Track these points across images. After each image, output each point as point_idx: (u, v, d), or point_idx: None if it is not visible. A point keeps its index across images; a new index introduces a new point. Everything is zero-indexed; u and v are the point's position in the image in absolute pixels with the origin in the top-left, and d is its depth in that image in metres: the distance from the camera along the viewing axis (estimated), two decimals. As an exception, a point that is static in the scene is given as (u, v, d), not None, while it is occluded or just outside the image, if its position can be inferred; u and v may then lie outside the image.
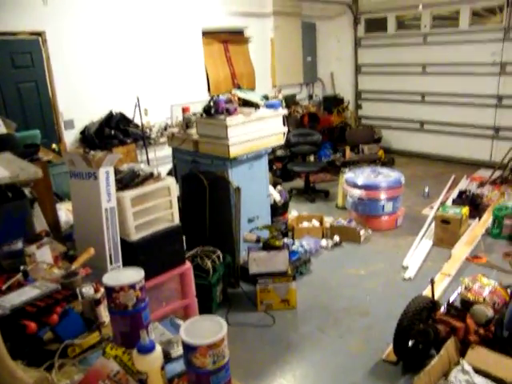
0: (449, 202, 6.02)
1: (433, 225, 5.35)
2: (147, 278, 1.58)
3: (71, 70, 5.78)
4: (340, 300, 4.13)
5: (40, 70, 5.64)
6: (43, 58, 5.63)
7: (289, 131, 6.46)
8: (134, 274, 1.52)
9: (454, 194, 6.31)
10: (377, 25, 9.18)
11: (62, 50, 5.68)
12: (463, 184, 6.93)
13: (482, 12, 7.76)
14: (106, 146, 5.69)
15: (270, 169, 6.68)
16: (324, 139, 7.89)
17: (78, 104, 5.85)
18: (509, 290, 3.27)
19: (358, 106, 9.82)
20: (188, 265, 3.48)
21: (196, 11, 6.98)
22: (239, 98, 4.59)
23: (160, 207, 3.21)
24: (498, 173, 6.77)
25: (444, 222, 5.10)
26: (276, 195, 5.21)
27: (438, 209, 5.55)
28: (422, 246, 5.09)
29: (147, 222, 3.10)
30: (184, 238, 3.55)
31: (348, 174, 5.96)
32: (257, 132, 4.42)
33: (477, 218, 5.57)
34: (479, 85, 7.88)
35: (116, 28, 6.13)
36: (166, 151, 6.03)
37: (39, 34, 5.56)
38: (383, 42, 9.10)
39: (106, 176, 2.79)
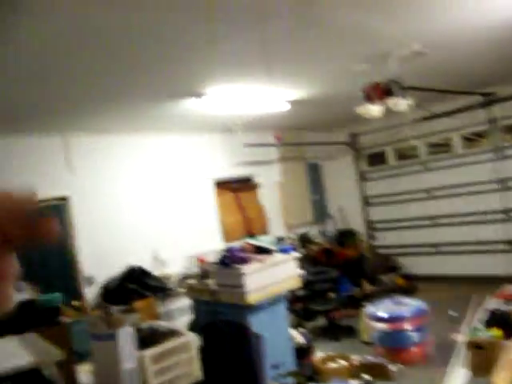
0: (478, 324, 5.81)
1: (465, 351, 5.13)
2: None
3: (92, 229, 6.14)
4: None
5: (64, 230, 5.97)
6: (67, 219, 5.99)
7: (306, 270, 6.52)
8: None
9: (482, 314, 6.12)
10: (378, 158, 9.69)
11: (84, 212, 6.10)
12: (490, 303, 6.73)
13: (471, 137, 8.22)
14: (127, 301, 5.77)
15: (291, 310, 6.61)
16: (341, 274, 7.88)
17: (99, 261, 6.09)
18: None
19: (371, 237, 9.95)
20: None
21: (207, 165, 7.50)
22: (253, 246, 4.74)
23: (181, 363, 3.19)
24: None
25: (477, 347, 4.89)
26: (299, 337, 5.12)
27: (469, 333, 5.35)
28: (457, 376, 4.83)
29: (169, 381, 3.06)
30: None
31: (369, 308, 5.88)
32: (273, 277, 4.51)
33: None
34: (484, 202, 8.08)
35: (133, 186, 6.62)
36: (186, 301, 6.07)
37: (65, 198, 5.99)
38: (386, 174, 9.51)
39: (125, 337, 2.83)
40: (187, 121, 6.61)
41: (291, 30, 3.79)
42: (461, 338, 5.67)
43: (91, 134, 6.32)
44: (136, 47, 3.68)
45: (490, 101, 7.69)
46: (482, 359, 4.83)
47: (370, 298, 7.41)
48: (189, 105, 5.65)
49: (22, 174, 5.64)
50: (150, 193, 6.81)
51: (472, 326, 5.70)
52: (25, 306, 4.09)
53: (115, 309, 5.69)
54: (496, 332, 4.99)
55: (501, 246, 8.04)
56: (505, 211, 7.92)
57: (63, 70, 3.94)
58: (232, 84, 5.14)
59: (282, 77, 5.04)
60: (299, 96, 6.15)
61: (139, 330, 3.19)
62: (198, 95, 5.29)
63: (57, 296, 4.67)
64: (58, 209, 6.02)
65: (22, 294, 4.37)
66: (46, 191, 5.83)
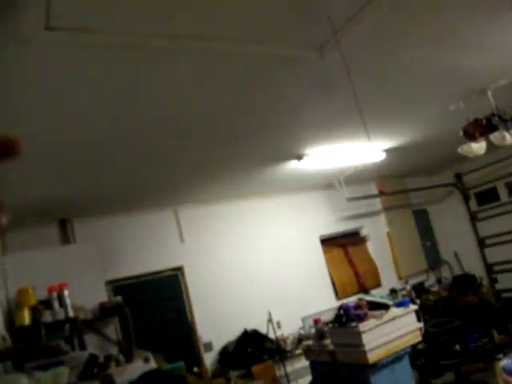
0: None
1: None
2: None
3: (207, 295, 6.38)
4: None
5: (180, 299, 6.28)
6: (182, 288, 6.28)
7: (425, 322, 6.18)
8: None
9: None
10: (488, 196, 9.16)
11: (197, 279, 6.39)
12: None
13: None
14: (244, 365, 5.81)
15: (414, 366, 6.24)
16: (465, 323, 7.35)
17: (215, 326, 6.25)
18: None
19: (492, 280, 9.24)
20: None
21: (312, 222, 7.56)
22: (367, 302, 4.63)
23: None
24: None
25: None
26: (427, 396, 4.80)
27: None
28: None
29: None
30: None
31: (504, 361, 5.38)
32: (392, 333, 4.35)
33: None
34: None
35: (243, 251, 6.83)
36: (303, 363, 5.98)
37: (179, 268, 6.30)
38: (499, 211, 8.92)
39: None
40: (290, 181, 6.79)
41: (379, 81, 3.85)
42: None
43: (200, 204, 6.67)
44: (237, 120, 3.93)
45: None
46: None
47: (503, 348, 6.81)
48: (291, 166, 5.83)
49: (138, 248, 6.07)
50: (260, 255, 6.96)
51: None
52: (152, 375, 4.26)
53: (234, 374, 5.75)
54: None
55: None
56: None
57: (176, 150, 4.30)
58: (330, 143, 5.25)
59: (377, 129, 5.05)
60: (396, 143, 6.08)
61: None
62: (300, 157, 5.46)
63: (181, 364, 4.81)
64: (173, 278, 6.34)
65: (148, 364, 4.56)
66: (163, 263, 6.20)
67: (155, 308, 6.14)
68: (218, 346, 6.31)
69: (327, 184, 7.26)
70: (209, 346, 6.27)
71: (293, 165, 5.75)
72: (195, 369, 5.83)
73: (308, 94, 3.70)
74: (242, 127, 4.19)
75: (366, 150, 5.80)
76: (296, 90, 3.57)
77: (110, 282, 5.88)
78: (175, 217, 6.54)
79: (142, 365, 4.62)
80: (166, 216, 6.51)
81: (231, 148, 4.71)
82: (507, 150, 6.42)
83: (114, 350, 5.24)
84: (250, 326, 6.41)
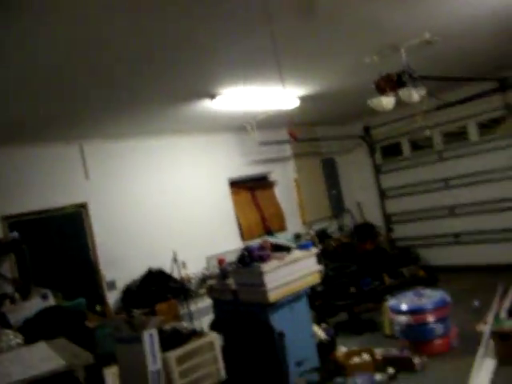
0: (503, 314, 5.75)
1: (491, 342, 5.07)
2: None
3: (111, 233, 6.22)
4: None
5: (83, 237, 6.10)
6: (86, 226, 6.09)
7: (325, 266, 6.50)
8: None
9: (507, 303, 6.04)
10: (392, 150, 9.64)
11: (102, 217, 6.22)
12: (514, 292, 6.65)
13: (487, 123, 8.12)
14: (148, 304, 5.82)
15: (312, 306, 6.60)
16: (361, 268, 7.85)
17: (119, 265, 6.17)
18: None
19: (389, 230, 9.89)
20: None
21: (222, 164, 7.54)
22: (271, 244, 4.75)
23: (205, 363, 3.22)
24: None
25: (503, 337, 4.84)
26: (321, 333, 5.11)
27: (493, 323, 5.29)
28: (484, 367, 4.78)
29: (194, 381, 3.09)
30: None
31: (391, 301, 5.84)
32: (293, 274, 4.52)
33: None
34: (504, 189, 7.96)
35: (150, 189, 6.67)
36: (207, 302, 6.11)
37: (83, 205, 6.08)
38: (402, 165, 9.46)
39: (150, 339, 2.86)
40: (202, 121, 6.64)
41: (300, 26, 3.80)
42: (485, 328, 5.61)
43: (107, 139, 6.38)
44: (149, 51, 3.71)
45: (505, 86, 7.57)
46: (509, 348, 4.78)
47: (391, 291, 7.37)
48: (203, 106, 5.69)
49: (40, 183, 5.75)
50: (167, 195, 6.85)
51: (497, 316, 5.64)
52: (50, 312, 4.17)
53: (137, 312, 5.76)
54: (522, 321, 4.93)
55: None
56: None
57: (78, 78, 4.01)
58: (245, 84, 5.16)
59: (293, 74, 5.03)
60: (310, 91, 6.14)
61: (162, 332, 3.22)
62: (213, 96, 5.33)
63: (81, 301, 4.74)
64: (76, 216, 6.11)
65: (46, 301, 4.45)
66: (65, 199, 5.93)
67: (57, 246, 5.91)
68: (121, 284, 6.24)
69: (239, 127, 7.22)
70: (112, 285, 6.20)
71: (206, 104, 5.61)
72: (98, 307, 5.78)
73: (223, 30, 3.54)
74: (152, 62, 3.98)
75: (280, 96, 5.81)
76: (209, 24, 3.40)
77: (5, 218, 5.56)
78: (80, 151, 6.20)
79: (39, 302, 4.49)
80: (70, 150, 6.15)
81: (142, 83, 4.48)
82: (413, 107, 6.72)
83: (9, 289, 5.04)
84: (155, 266, 6.39)
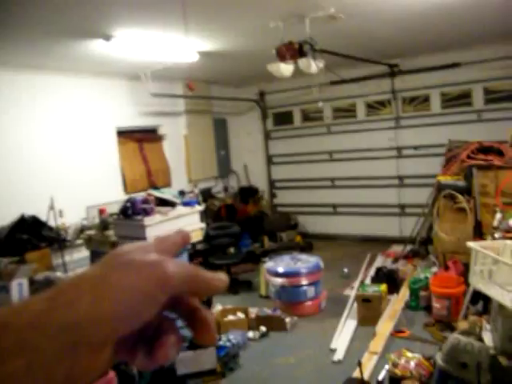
0: (368, 281, 6.25)
1: (355, 304, 5.50)
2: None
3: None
4: (273, 393, 4.06)
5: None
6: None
7: (207, 224, 6.55)
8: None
9: (372, 271, 6.57)
10: (284, 118, 9.84)
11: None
12: (379, 261, 7.25)
13: (374, 104, 8.61)
14: (18, 252, 5.45)
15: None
16: (242, 230, 8.02)
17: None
18: (432, 361, 3.38)
19: (272, 195, 10.19)
20: (111, 374, 3.31)
21: (110, 112, 7.15)
22: (156, 198, 4.65)
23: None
24: (408, 247, 7.18)
25: (365, 300, 5.26)
26: (199, 291, 5.16)
27: (358, 288, 5.74)
28: (347, 326, 5.18)
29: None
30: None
31: (268, 263, 6.06)
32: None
33: (395, 293, 5.80)
34: (381, 167, 8.56)
35: (30, 130, 6.11)
36: (84, 253, 5.87)
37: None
38: (291, 134, 9.71)
39: (18, 289, 2.68)
40: (93, 64, 6.17)
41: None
42: (351, 292, 6.08)
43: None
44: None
45: (394, 72, 8.04)
46: (369, 311, 5.24)
47: (269, 254, 7.65)
48: (96, 47, 5.29)
49: None
50: (48, 138, 6.33)
51: (362, 282, 6.12)
52: None
53: (5, 261, 5.36)
54: (382, 287, 5.39)
55: (394, 210, 8.61)
56: (400, 177, 8.46)
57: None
58: (142, 28, 4.88)
59: (198, 24, 4.84)
60: (212, 47, 6.00)
61: (34, 282, 3.02)
62: (107, 37, 4.97)
63: None
64: None
65: None
66: None
67: None
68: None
69: (133, 75, 6.88)
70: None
71: (100, 45, 5.21)
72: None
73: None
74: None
75: (181, 47, 5.60)
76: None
77: None
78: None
79: None
80: None
81: (29, 12, 4.02)
82: (309, 79, 6.91)
83: None
84: (29, 212, 5.97)
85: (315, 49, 5.11)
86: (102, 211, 4.88)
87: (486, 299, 4.10)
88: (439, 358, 2.90)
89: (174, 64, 6.18)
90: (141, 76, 6.67)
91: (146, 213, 4.32)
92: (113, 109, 7.22)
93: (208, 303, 5.27)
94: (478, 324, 4.05)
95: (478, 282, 3.04)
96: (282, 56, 5.14)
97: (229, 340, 4.66)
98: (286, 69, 5.22)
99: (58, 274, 3.28)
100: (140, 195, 4.84)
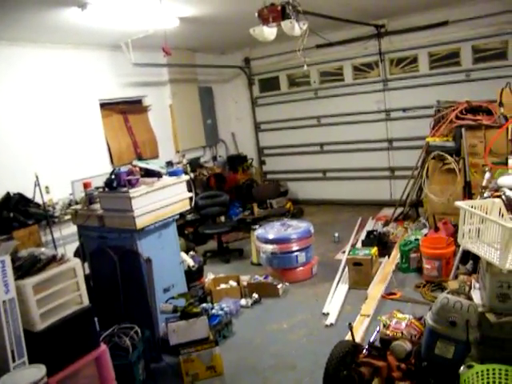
0: (359, 245, 6.26)
1: (346, 269, 5.52)
2: (58, 368, 1.47)
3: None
4: (266, 358, 4.08)
5: None
6: None
7: (196, 194, 6.49)
8: (34, 373, 1.42)
9: (363, 235, 6.58)
10: (270, 84, 9.68)
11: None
12: (370, 225, 7.27)
13: (361, 67, 8.47)
14: (5, 231, 5.38)
15: (182, 234, 6.61)
16: (232, 198, 7.99)
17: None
18: (422, 321, 3.39)
19: (261, 162, 10.12)
20: (103, 347, 3.30)
21: (92, 84, 6.97)
22: (141, 169, 4.56)
23: (67, 290, 3.06)
24: (399, 210, 7.18)
25: (356, 264, 5.28)
26: (189, 261, 5.15)
27: (349, 252, 5.74)
28: (339, 291, 5.21)
29: (54, 308, 2.93)
30: (97, 318, 3.40)
31: (258, 231, 6.04)
32: (162, 200, 4.40)
33: (386, 256, 5.82)
34: (370, 131, 8.49)
35: (11, 104, 5.95)
36: (72, 229, 5.79)
37: None
38: (278, 100, 9.57)
39: (1, 266, 2.63)
40: (70, 34, 5.96)
41: None
42: (343, 257, 6.09)
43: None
44: None
45: (380, 33, 7.88)
46: (360, 275, 5.26)
47: (260, 221, 7.64)
48: (71, 15, 5.09)
49: None
50: (31, 113, 6.14)
51: (353, 246, 6.13)
52: None
53: (-10, 239, 5.29)
54: (372, 250, 5.40)
55: (384, 173, 8.58)
56: (389, 140, 8.39)
57: None
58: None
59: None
60: (192, 13, 5.81)
61: (17, 259, 2.97)
62: (82, 5, 4.77)
63: None
64: None
65: None
66: None
67: None
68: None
69: (114, 45, 6.67)
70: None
71: (74, 14, 5.00)
72: None
73: None
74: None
75: (159, 13, 5.40)
76: None
77: None
78: None
79: None
80: None
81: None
82: (294, 43, 6.73)
83: None
84: (14, 190, 5.86)
85: (298, 10, 4.96)
86: (86, 185, 4.76)
87: (476, 259, 4.12)
88: (429, 318, 2.90)
89: (155, 31, 6.00)
90: (122, 46, 6.48)
91: (131, 184, 4.24)
92: (95, 81, 7.03)
93: (199, 272, 5.27)
94: (468, 283, 4.08)
95: (466, 242, 3.02)
96: (264, 19, 4.98)
97: (221, 308, 4.67)
98: (269, 32, 5.07)
99: (43, 249, 3.21)
100: (125, 167, 4.75)
